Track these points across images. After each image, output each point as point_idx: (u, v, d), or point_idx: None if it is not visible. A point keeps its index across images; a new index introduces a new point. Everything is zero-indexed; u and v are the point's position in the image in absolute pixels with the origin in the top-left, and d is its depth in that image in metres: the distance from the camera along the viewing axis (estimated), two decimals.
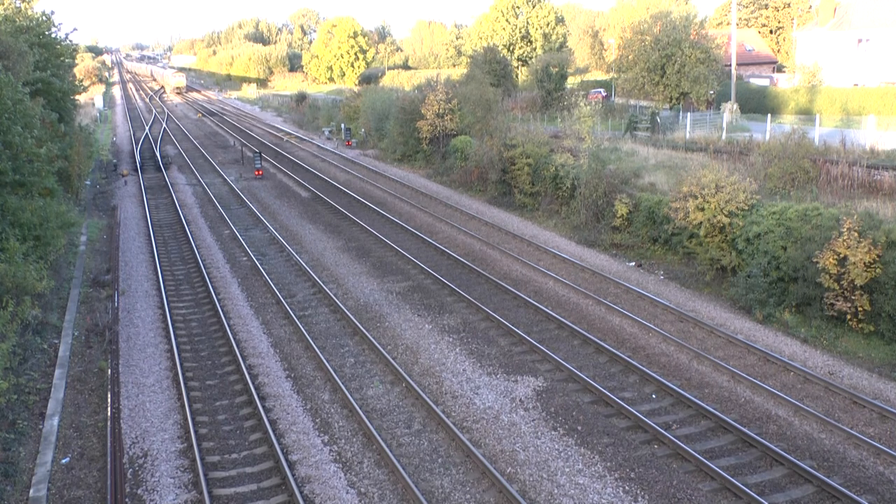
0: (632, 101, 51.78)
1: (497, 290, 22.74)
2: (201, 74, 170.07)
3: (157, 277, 24.28)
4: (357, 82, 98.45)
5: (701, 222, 22.09)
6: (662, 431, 14.10)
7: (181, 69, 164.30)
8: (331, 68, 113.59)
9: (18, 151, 20.56)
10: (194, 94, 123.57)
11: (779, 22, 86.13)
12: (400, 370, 16.94)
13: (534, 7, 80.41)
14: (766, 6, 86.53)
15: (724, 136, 35.41)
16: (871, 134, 31.35)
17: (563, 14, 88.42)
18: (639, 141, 36.94)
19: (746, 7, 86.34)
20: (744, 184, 22.07)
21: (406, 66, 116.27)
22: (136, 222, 32.63)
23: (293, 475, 13.09)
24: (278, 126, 71.05)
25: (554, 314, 20.28)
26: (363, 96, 59.11)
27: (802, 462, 13.16)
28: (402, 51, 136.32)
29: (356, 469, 13.45)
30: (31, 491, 12.94)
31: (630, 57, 44.87)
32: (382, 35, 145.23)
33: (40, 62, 30.46)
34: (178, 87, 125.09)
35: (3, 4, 33.21)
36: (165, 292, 22.69)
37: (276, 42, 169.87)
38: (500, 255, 26.40)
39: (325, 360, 17.55)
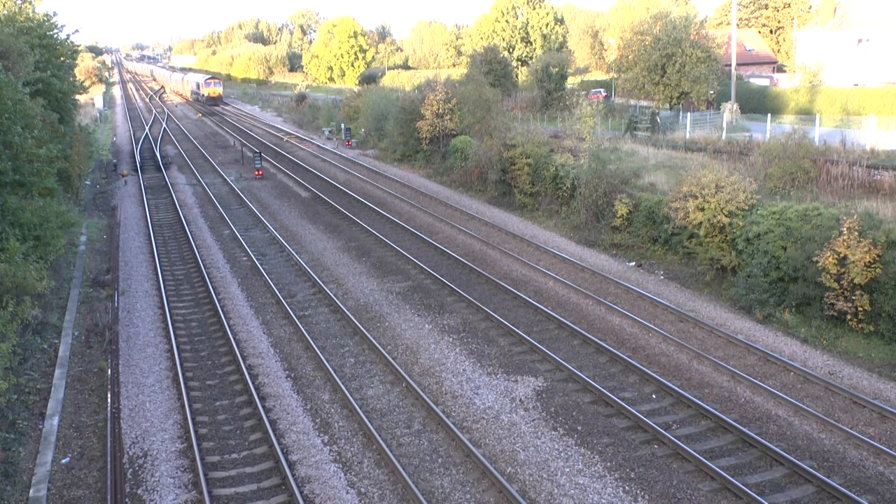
0: (632, 101, 51.71)
1: (497, 290, 22.73)
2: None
3: (157, 277, 24.28)
4: (357, 82, 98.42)
5: (701, 222, 22.08)
6: (662, 431, 14.10)
7: (215, 75, 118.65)
8: (331, 68, 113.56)
9: (18, 151, 20.56)
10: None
11: (779, 22, 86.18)
12: (400, 370, 16.94)
13: (533, 8, 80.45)
14: (766, 6, 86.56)
15: (724, 136, 35.37)
16: (871, 134, 31.30)
17: (562, 14, 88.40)
18: (639, 141, 36.91)
19: (746, 7, 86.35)
20: (744, 184, 22.06)
21: (406, 66, 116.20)
22: (136, 222, 32.63)
23: (293, 475, 13.09)
24: (278, 126, 71.06)
25: (554, 314, 20.28)
26: (363, 96, 59.13)
27: (802, 462, 13.16)
28: (402, 51, 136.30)
29: (356, 469, 13.45)
30: (31, 491, 12.94)
31: (630, 57, 44.80)
32: (382, 35, 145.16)
33: (41, 62, 30.42)
34: (212, 97, 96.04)
35: (4, 5, 33.18)
36: (165, 292, 22.69)
37: (276, 42, 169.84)
38: (500, 255, 26.39)
39: (325, 360, 17.55)
